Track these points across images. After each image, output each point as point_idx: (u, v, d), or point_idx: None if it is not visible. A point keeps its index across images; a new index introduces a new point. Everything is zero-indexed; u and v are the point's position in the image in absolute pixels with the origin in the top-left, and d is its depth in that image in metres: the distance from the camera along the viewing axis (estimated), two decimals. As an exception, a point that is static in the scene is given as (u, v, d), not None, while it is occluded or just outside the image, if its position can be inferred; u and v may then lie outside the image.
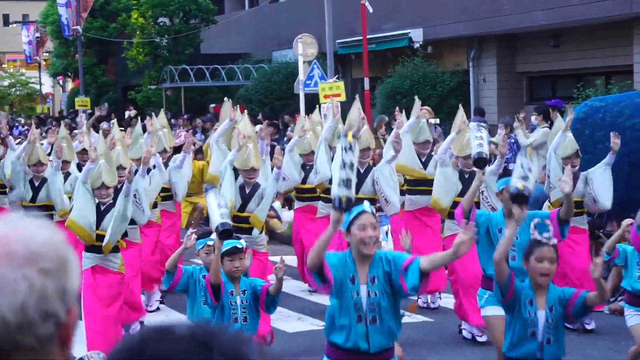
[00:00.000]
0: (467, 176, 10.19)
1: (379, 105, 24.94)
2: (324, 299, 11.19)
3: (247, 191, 10.18)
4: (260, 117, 23.30)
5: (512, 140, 14.97)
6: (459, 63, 25.79)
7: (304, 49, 19.38)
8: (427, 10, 25.70)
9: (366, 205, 5.90)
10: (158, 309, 12.01)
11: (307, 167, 12.65)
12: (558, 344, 6.22)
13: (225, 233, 7.18)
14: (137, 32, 34.80)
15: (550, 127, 12.26)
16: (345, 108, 18.94)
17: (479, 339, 9.96)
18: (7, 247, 1.69)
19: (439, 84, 24.61)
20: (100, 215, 9.40)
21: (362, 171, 11.20)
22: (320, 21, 21.61)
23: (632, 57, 20.89)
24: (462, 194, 9.77)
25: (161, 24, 35.12)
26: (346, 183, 5.83)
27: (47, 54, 51.10)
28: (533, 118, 14.88)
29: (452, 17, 24.84)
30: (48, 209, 11.42)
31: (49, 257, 1.71)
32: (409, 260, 5.72)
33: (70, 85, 47.63)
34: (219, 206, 7.42)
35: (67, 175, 11.88)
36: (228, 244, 7.20)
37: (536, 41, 23.90)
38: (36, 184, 11.73)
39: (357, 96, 12.26)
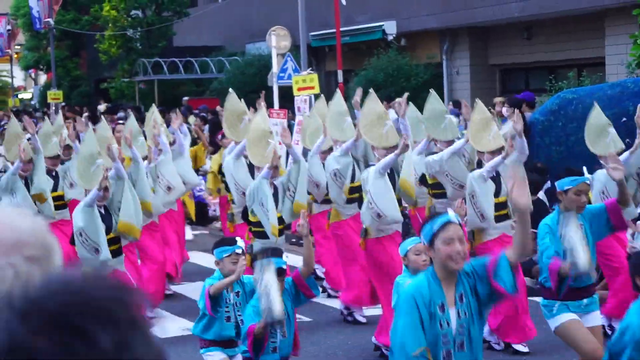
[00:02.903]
0: (495, 174, 9.54)
1: (353, 98, 24.94)
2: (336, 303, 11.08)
3: (272, 191, 9.67)
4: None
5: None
6: (433, 55, 25.84)
7: (277, 41, 19.32)
8: (400, 2, 25.72)
9: (451, 214, 5.16)
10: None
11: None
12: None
13: (273, 324, 6.51)
14: (110, 25, 34.61)
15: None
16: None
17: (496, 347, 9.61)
18: None
19: (412, 76, 24.65)
20: (106, 219, 9.13)
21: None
22: (293, 13, 21.56)
23: (603, 49, 21.01)
24: (495, 193, 9.42)
25: (134, 16, 34.93)
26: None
27: (19, 47, 50.71)
28: (504, 110, 14.93)
29: (425, 9, 24.88)
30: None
31: (34, 245, 1.73)
32: (493, 260, 5.02)
33: (42, 78, 47.33)
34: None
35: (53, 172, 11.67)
36: (276, 264, 6.59)
37: (509, 34, 23.99)
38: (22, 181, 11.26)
39: (371, 90, 10.92)
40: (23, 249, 1.71)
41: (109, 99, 34.93)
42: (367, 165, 10.39)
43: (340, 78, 20.73)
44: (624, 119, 12.57)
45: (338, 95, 11.39)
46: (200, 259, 14.33)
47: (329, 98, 12.11)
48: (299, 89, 16.18)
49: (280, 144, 10.99)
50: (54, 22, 36.39)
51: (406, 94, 10.84)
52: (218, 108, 23.82)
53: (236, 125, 11.33)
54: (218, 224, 17.34)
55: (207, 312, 6.96)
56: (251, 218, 9.67)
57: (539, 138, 12.70)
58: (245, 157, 10.76)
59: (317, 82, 16.52)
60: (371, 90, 10.62)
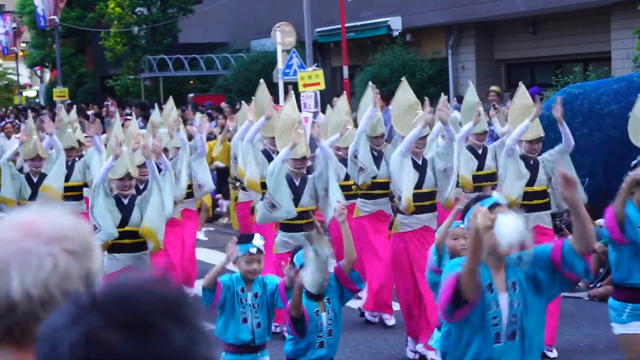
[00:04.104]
0: (532, 162, 9.30)
1: (359, 93, 24.91)
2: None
3: (297, 183, 9.19)
4: (238, 106, 23.27)
5: (491, 128, 15.01)
6: (438, 51, 25.81)
7: (282, 37, 19.32)
8: (405, -2, 25.71)
9: (499, 196, 4.93)
10: None
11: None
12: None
13: (313, 297, 6.28)
14: (115, 22, 34.64)
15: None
16: (324, 97, 18.94)
17: None
18: (35, 227, 1.77)
19: (418, 71, 24.62)
20: (125, 209, 8.80)
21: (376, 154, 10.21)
22: (298, 9, 21.54)
23: (609, 43, 20.97)
24: (530, 182, 9.18)
25: (139, 13, 34.96)
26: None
27: (25, 45, 50.78)
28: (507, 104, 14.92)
29: (430, 4, 24.85)
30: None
31: (74, 240, 1.79)
32: (558, 248, 4.76)
33: (48, 76, 47.38)
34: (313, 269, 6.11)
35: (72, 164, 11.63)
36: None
37: (514, 28, 23.95)
38: (34, 179, 11.20)
39: (403, 78, 10.55)
40: (63, 242, 1.76)
41: (115, 96, 34.96)
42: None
43: (345, 74, 20.71)
44: (630, 113, 12.55)
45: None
46: (206, 255, 14.32)
47: (334, 94, 12.01)
48: (305, 85, 16.17)
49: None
50: (59, 20, 36.43)
51: (444, 98, 10.40)
52: (223, 104, 23.86)
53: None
54: (224, 220, 17.35)
55: (206, 302, 6.68)
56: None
57: (544, 133, 12.67)
58: (273, 152, 10.52)
59: (323, 78, 16.50)
60: (403, 79, 10.28)
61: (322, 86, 16.42)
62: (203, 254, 14.20)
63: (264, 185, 10.10)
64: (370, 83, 10.73)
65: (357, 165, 10.11)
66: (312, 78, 16.34)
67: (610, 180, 11.98)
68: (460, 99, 19.09)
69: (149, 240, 8.93)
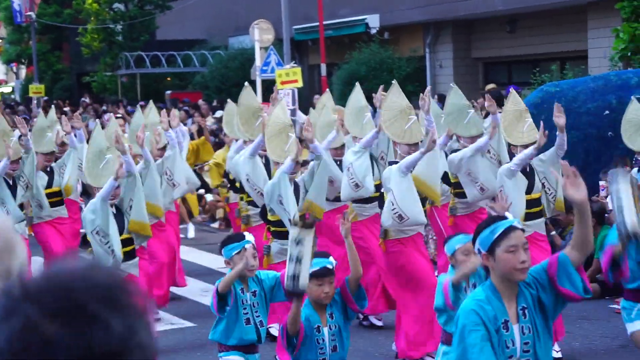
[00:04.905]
0: (527, 169, 9.01)
1: (337, 91, 24.94)
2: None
3: (292, 188, 8.94)
4: (215, 103, 23.22)
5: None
6: (416, 49, 25.86)
7: (260, 35, 19.29)
8: (383, -5, 25.74)
9: (515, 220, 4.62)
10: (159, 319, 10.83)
11: (337, 163, 10.50)
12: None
13: (291, 295, 5.92)
14: (92, 18, 34.47)
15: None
16: (302, 94, 18.91)
17: None
18: None
19: (395, 69, 24.65)
20: (120, 218, 8.63)
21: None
22: (276, 7, 21.51)
23: (586, 42, 21.08)
24: (527, 189, 8.90)
25: (116, 9, 34.82)
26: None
27: (0, 41, 50.44)
28: (486, 104, 14.91)
29: (408, 2, 24.88)
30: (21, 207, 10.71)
31: None
32: (553, 264, 4.49)
33: (24, 72, 47.09)
34: (289, 259, 5.92)
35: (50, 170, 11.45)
36: (315, 265, 5.97)
37: (492, 27, 24.02)
38: (10, 182, 10.72)
39: (394, 81, 10.22)
40: None
41: (92, 93, 34.80)
42: (390, 163, 9.54)
43: (323, 71, 20.71)
44: (607, 111, 12.61)
45: (357, 90, 10.55)
46: (198, 257, 14.23)
47: (311, 92, 11.87)
48: (282, 83, 16.15)
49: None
50: (35, 16, 36.21)
51: (428, 88, 10.12)
52: (200, 102, 23.81)
53: (251, 122, 10.63)
54: (215, 224, 17.20)
55: (214, 311, 6.52)
56: (270, 217, 9.10)
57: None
58: (261, 155, 10.21)
59: (301, 75, 16.50)
60: (394, 82, 9.93)
61: (300, 84, 16.41)
62: (191, 254, 14.14)
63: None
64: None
65: (351, 180, 9.78)
66: (290, 75, 16.34)
67: (586, 178, 12.01)
68: (440, 98, 19.11)
69: (140, 233, 8.76)
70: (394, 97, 9.63)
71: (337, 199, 10.26)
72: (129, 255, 8.70)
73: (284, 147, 9.04)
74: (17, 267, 1.76)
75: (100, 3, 34.18)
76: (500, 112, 9.56)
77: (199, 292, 12.01)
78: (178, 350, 9.49)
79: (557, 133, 8.86)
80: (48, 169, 11.45)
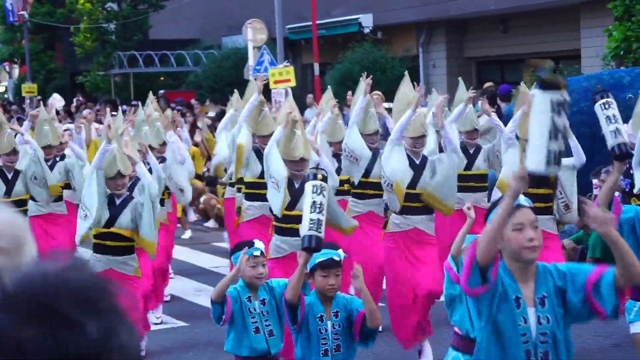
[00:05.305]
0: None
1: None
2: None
3: (297, 186, 8.45)
4: (207, 103, 23.18)
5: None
6: (409, 48, 25.87)
7: (253, 34, 19.30)
8: (376, -5, 25.75)
9: (522, 198, 4.45)
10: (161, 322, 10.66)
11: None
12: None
13: (310, 250, 5.85)
14: (85, 18, 34.43)
15: (496, 112, 12.25)
16: (295, 93, 18.87)
17: None
18: None
19: (388, 69, 24.66)
20: (115, 209, 8.21)
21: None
22: (269, 6, 21.52)
23: (579, 41, 21.11)
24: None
25: (109, 9, 34.77)
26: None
27: (-7, 40, 50.36)
28: (479, 103, 14.95)
29: (401, 2, 24.90)
30: (23, 204, 10.44)
31: (5, 237, 1.75)
32: (598, 272, 4.28)
33: (17, 71, 47.00)
34: (312, 207, 5.98)
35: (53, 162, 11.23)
36: (322, 255, 5.90)
37: (485, 26, 24.04)
38: (9, 175, 10.58)
39: (406, 72, 10.27)
40: None
41: (85, 92, 34.74)
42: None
43: (316, 71, 20.72)
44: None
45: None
46: (191, 257, 14.19)
47: (304, 91, 11.86)
48: (276, 82, 16.14)
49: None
50: (28, 15, 36.15)
51: (422, 87, 9.96)
52: (193, 101, 23.76)
53: (255, 117, 10.57)
54: (209, 223, 17.18)
55: (214, 320, 6.37)
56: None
57: (515, 130, 12.72)
58: (260, 149, 9.97)
59: (294, 75, 16.48)
60: (406, 73, 9.97)
61: (293, 83, 16.39)
62: (184, 254, 14.11)
63: (258, 186, 9.83)
64: (364, 75, 10.61)
65: (352, 162, 9.71)
66: (283, 75, 16.32)
67: (579, 177, 12.04)
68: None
69: (145, 249, 8.42)
70: (404, 89, 9.63)
71: (339, 192, 9.84)
72: (123, 250, 8.33)
73: (290, 145, 8.76)
74: (25, 264, 1.75)
75: (93, 2, 34.14)
76: (494, 112, 9.61)
77: (192, 291, 11.99)
78: (171, 350, 9.47)
79: (568, 140, 8.76)
80: (49, 163, 11.33)
